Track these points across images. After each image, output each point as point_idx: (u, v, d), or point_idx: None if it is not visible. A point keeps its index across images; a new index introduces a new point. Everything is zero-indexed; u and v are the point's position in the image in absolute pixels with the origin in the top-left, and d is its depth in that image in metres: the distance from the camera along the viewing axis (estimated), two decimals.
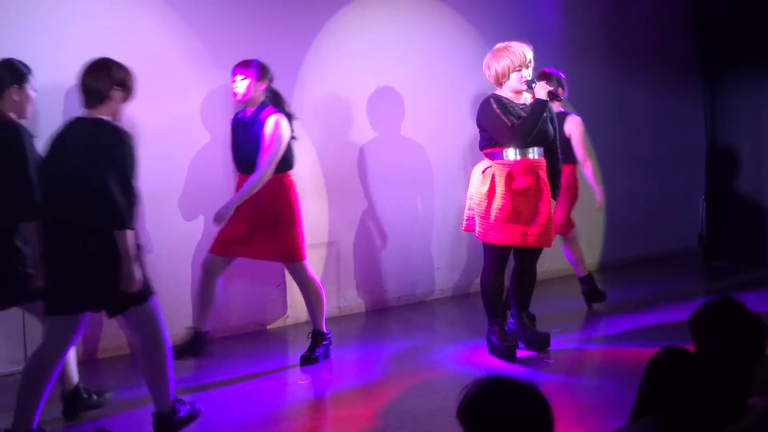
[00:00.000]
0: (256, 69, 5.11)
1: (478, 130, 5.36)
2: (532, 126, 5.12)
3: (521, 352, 5.39)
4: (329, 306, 6.39)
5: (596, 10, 8.11)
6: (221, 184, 5.78)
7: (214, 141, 5.84)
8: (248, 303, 6.17)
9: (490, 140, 5.24)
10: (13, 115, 4.13)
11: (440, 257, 7.16)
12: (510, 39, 5.28)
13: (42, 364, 3.93)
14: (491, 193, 5.18)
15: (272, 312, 6.30)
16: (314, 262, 6.37)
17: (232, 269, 5.54)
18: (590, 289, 6.62)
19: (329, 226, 6.54)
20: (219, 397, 4.80)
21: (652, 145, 8.56)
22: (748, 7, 7.86)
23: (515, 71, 5.17)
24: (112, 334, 5.50)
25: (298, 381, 5.17)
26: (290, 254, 5.21)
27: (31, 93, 4.23)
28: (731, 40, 8.07)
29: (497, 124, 5.15)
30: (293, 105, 6.25)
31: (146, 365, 4.07)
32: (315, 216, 6.42)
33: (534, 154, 5.23)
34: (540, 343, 5.46)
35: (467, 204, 5.39)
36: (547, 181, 5.30)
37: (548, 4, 7.78)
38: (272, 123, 5.06)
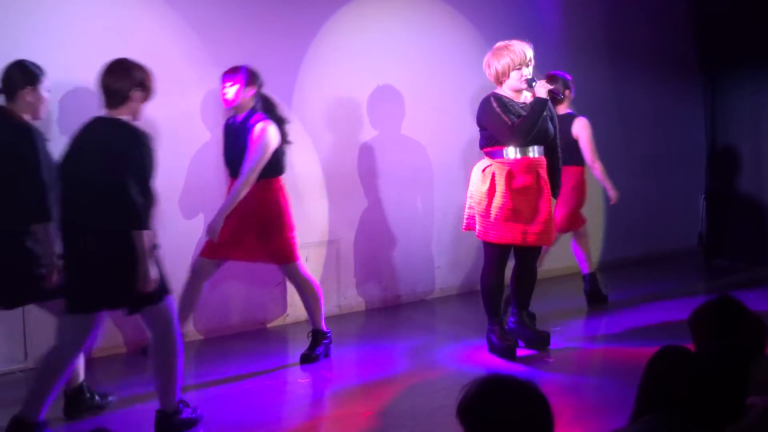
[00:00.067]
0: (245, 75, 5.13)
1: (478, 129, 5.37)
2: (532, 125, 5.12)
3: (521, 351, 5.38)
4: (329, 305, 6.40)
5: (596, 10, 8.11)
6: (221, 183, 5.77)
7: (214, 140, 5.84)
8: (248, 302, 6.18)
9: (490, 139, 5.24)
10: (27, 117, 4.16)
11: (440, 256, 7.16)
12: (510, 38, 5.27)
13: (57, 359, 3.99)
14: (491, 191, 5.18)
15: (272, 311, 6.30)
16: (315, 261, 6.39)
17: (232, 268, 5.54)
18: (592, 289, 6.63)
19: (329, 225, 6.54)
20: (219, 395, 4.80)
21: (652, 145, 8.56)
22: (748, 7, 7.86)
23: (515, 70, 5.17)
24: (110, 333, 5.49)
25: (299, 380, 5.17)
26: (282, 256, 5.22)
27: (45, 94, 4.25)
28: (731, 40, 8.07)
29: (497, 123, 5.15)
30: (293, 105, 6.28)
31: (156, 363, 4.11)
32: (315, 215, 6.43)
33: (534, 152, 5.23)
34: (540, 342, 5.46)
35: (467, 203, 5.39)
36: (548, 180, 5.30)
37: (548, 3, 7.78)
38: (257, 130, 5.06)
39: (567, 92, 6.28)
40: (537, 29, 7.07)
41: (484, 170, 5.26)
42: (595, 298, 6.63)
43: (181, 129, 5.77)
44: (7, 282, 4.11)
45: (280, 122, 5.22)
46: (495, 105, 5.17)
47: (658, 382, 2.48)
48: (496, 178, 5.18)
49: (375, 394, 4.81)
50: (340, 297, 6.62)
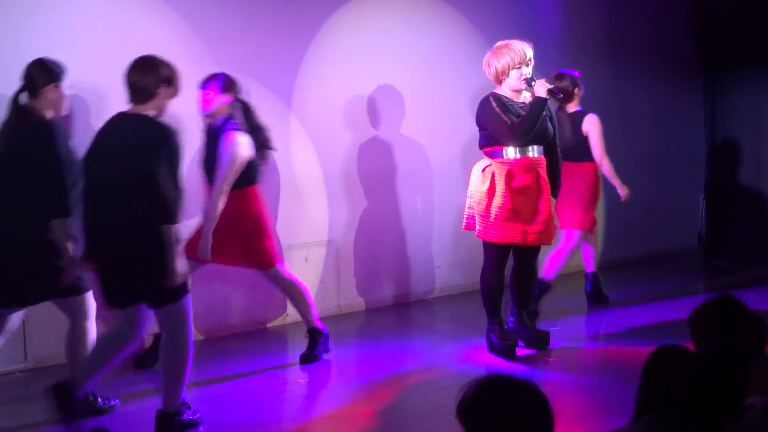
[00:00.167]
0: (220, 82, 5.09)
1: (477, 128, 5.37)
2: (531, 124, 5.12)
3: (521, 351, 5.39)
4: (330, 305, 6.40)
5: (596, 10, 8.11)
6: None
7: None
8: (248, 302, 6.18)
9: (489, 139, 5.24)
10: (50, 113, 4.19)
11: (440, 256, 7.16)
12: (510, 38, 5.27)
13: (110, 343, 4.13)
14: (491, 191, 5.18)
15: (272, 311, 6.30)
16: (314, 261, 6.40)
17: (232, 269, 5.53)
18: (594, 288, 6.63)
19: (329, 225, 6.54)
20: (219, 395, 4.80)
21: (652, 144, 8.55)
22: (748, 7, 7.86)
23: (515, 68, 5.17)
24: None
25: (298, 379, 5.17)
26: (261, 263, 5.20)
27: (66, 90, 4.27)
28: (731, 40, 8.07)
29: (497, 123, 5.15)
30: (293, 105, 6.28)
31: (165, 362, 4.12)
32: (315, 215, 6.43)
33: (534, 152, 5.23)
34: (540, 341, 5.46)
35: (467, 203, 5.39)
36: (547, 180, 5.31)
37: (548, 3, 7.78)
38: (227, 141, 4.99)
39: (577, 90, 6.26)
40: (537, 29, 7.07)
41: (483, 170, 5.26)
42: (596, 299, 6.63)
43: (180, 129, 5.74)
44: (28, 278, 4.14)
45: (257, 130, 5.15)
46: (494, 105, 5.17)
47: (657, 382, 2.48)
48: (495, 178, 5.18)
49: (375, 394, 4.81)
50: (340, 297, 6.61)
